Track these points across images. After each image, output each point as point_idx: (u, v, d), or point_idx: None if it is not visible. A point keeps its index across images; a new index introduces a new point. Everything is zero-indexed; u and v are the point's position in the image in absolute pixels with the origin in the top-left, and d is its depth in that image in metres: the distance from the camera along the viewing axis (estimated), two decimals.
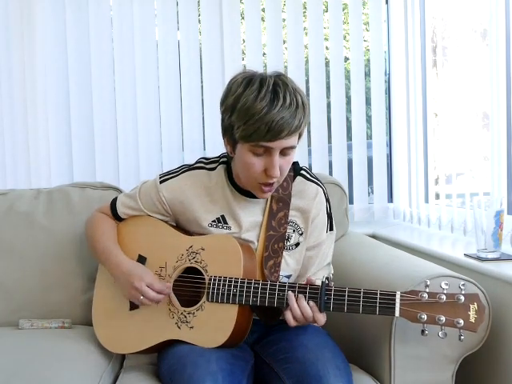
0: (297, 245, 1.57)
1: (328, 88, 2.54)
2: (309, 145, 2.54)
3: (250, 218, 1.55)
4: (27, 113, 2.47)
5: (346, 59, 2.60)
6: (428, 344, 1.44)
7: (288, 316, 1.40)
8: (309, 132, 2.49)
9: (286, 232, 1.55)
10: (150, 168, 2.49)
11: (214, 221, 1.55)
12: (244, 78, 1.42)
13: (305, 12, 2.56)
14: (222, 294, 1.44)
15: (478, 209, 1.70)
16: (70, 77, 2.47)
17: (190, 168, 1.61)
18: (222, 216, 1.56)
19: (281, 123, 1.35)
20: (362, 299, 1.36)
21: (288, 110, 1.36)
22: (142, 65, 2.48)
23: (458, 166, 2.17)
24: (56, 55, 2.47)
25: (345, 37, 2.66)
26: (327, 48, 2.55)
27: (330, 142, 2.56)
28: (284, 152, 1.41)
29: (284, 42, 2.58)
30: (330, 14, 2.50)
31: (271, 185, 1.46)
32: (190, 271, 1.53)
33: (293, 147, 1.42)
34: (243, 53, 2.54)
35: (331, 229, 1.63)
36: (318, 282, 1.42)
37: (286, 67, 2.51)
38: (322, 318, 1.40)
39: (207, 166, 1.59)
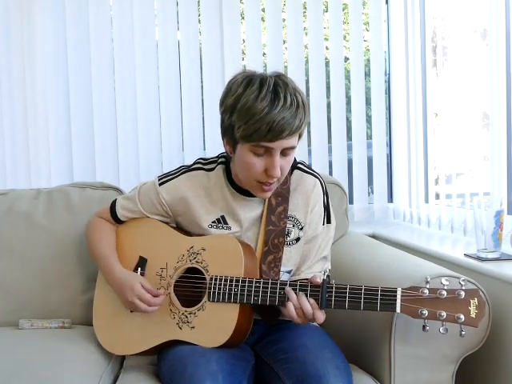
0: (297, 240, 1.57)
1: (328, 88, 2.54)
2: (309, 145, 2.54)
3: (250, 213, 1.55)
4: (27, 113, 2.46)
5: (346, 59, 2.60)
6: (428, 344, 1.44)
7: (289, 307, 1.38)
8: (309, 132, 2.49)
9: (285, 227, 1.54)
10: (150, 168, 2.49)
11: (214, 222, 1.55)
12: (244, 78, 1.41)
13: (305, 12, 2.56)
14: (223, 294, 1.44)
15: (477, 209, 1.70)
16: (70, 77, 2.47)
17: (188, 169, 1.60)
18: (222, 216, 1.55)
19: (282, 123, 1.35)
20: (363, 296, 1.35)
21: (289, 110, 1.36)
22: (142, 65, 2.48)
23: (458, 166, 2.17)
24: (56, 55, 2.47)
25: (345, 37, 2.66)
26: (327, 48, 2.55)
27: (330, 142, 2.56)
28: (284, 152, 1.41)
29: (284, 42, 2.58)
30: (329, 14, 2.50)
31: (271, 184, 1.46)
32: (191, 272, 1.53)
33: (293, 147, 1.42)
34: (243, 53, 2.54)
35: (329, 221, 1.61)
36: (310, 276, 1.42)
37: (286, 67, 2.51)
38: (321, 316, 1.39)
39: (205, 167, 1.59)
